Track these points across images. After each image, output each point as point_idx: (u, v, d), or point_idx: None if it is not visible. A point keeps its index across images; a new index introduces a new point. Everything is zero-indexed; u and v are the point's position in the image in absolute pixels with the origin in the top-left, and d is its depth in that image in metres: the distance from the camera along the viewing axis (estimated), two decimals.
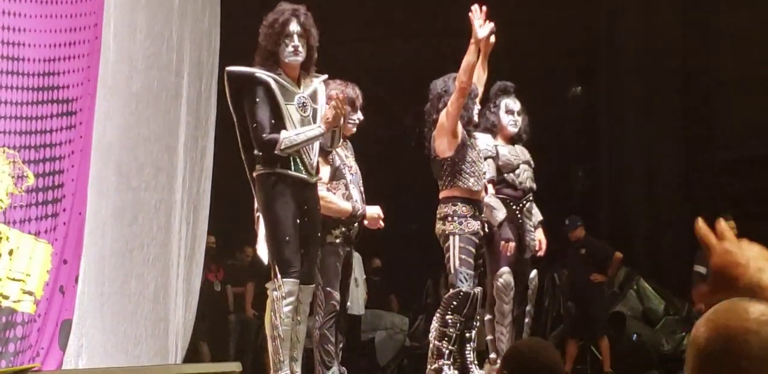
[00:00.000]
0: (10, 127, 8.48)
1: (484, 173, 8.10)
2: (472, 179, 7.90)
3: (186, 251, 10.03)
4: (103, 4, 9.23)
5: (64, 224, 8.85)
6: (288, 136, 6.85)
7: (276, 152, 6.84)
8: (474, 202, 7.95)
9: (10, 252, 8.37)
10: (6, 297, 8.31)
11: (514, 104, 8.82)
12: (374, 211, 7.91)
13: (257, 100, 6.87)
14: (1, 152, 8.42)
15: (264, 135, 6.82)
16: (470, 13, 7.64)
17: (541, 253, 9.03)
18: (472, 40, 7.62)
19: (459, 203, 7.89)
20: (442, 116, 7.77)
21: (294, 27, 7.03)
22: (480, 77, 8.22)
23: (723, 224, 2.43)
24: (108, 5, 9.27)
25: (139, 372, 5.73)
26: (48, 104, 8.78)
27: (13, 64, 8.49)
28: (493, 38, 8.00)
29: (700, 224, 2.41)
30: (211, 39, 10.33)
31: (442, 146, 7.85)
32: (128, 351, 9.22)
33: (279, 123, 6.88)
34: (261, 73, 6.92)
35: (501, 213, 8.31)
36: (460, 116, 7.80)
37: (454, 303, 7.81)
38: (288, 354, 6.91)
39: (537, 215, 8.98)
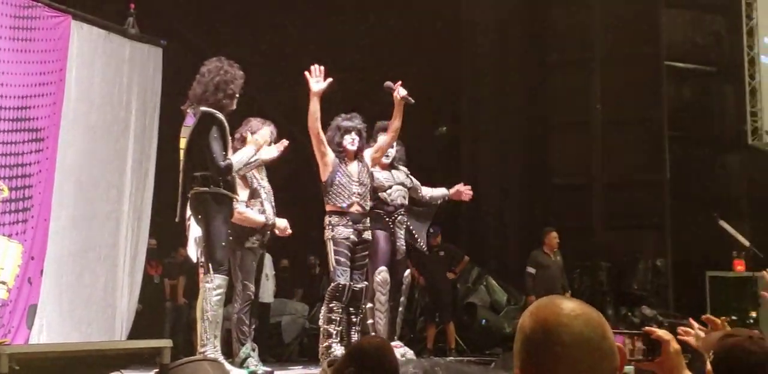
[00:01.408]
0: None
1: (355, 193, 8.14)
2: (339, 198, 7.99)
3: (131, 251, 9.97)
4: (67, 54, 9.19)
5: (32, 228, 8.76)
6: (236, 161, 7.07)
7: (233, 173, 7.08)
8: (344, 214, 8.01)
9: None
10: None
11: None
12: (282, 223, 8.02)
13: (215, 135, 6.94)
14: None
15: (222, 163, 6.91)
16: (306, 72, 7.71)
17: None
18: (311, 94, 7.72)
19: (333, 215, 7.98)
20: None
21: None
22: (395, 123, 8.35)
23: None
24: (71, 54, 9.22)
25: (90, 346, 5.71)
26: (21, 132, 8.72)
27: None
28: (403, 93, 8.21)
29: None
30: (154, 83, 10.28)
31: (321, 172, 8.03)
32: (82, 330, 9.15)
33: (225, 154, 7.00)
34: (218, 114, 7.01)
35: None
36: (333, 148, 8.03)
37: (336, 294, 7.92)
38: (212, 333, 6.97)
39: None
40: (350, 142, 8.21)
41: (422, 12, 16.48)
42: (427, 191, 9.19)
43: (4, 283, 8.35)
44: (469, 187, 9.26)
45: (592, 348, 1.99)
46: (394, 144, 8.89)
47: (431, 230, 10.33)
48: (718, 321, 4.40)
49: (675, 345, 2.84)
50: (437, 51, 16.94)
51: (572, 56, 17.27)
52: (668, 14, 17.43)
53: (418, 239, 9.47)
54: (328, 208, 8.06)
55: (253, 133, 7.63)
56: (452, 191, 9.19)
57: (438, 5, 16.74)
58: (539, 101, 17.67)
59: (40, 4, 8.93)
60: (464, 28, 17.62)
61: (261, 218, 7.71)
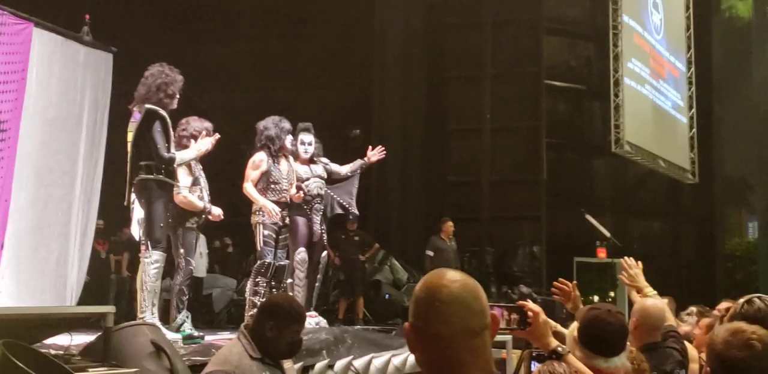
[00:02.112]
0: None
1: (284, 189, 8.21)
2: (271, 192, 8.11)
3: (81, 229, 9.73)
4: (29, 57, 8.98)
5: None
6: (181, 157, 7.13)
7: (174, 165, 7.07)
8: (274, 203, 8.04)
9: None
10: None
11: (306, 137, 8.80)
12: (217, 210, 7.92)
13: (159, 130, 6.91)
14: None
15: (165, 154, 6.92)
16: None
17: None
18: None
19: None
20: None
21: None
22: None
23: None
24: (32, 57, 8.98)
25: (43, 310, 5.63)
26: None
27: None
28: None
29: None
30: (105, 84, 10.06)
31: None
32: (36, 297, 8.91)
33: (168, 146, 6.99)
34: (160, 111, 6.98)
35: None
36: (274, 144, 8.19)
37: (262, 270, 7.99)
38: (150, 301, 6.95)
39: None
40: (290, 142, 8.34)
41: (341, 35, 16.56)
42: (346, 168, 9.16)
43: None
44: (379, 148, 9.20)
45: (464, 306, 2.10)
46: (314, 141, 8.87)
47: (350, 217, 10.37)
48: (570, 284, 4.57)
49: (543, 317, 3.08)
50: (354, 67, 17.01)
51: (467, 73, 17.45)
52: (548, 40, 17.76)
53: (349, 207, 9.49)
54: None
55: (197, 131, 7.64)
56: (367, 158, 9.14)
57: (354, 29, 16.81)
58: (438, 110, 17.82)
59: (5, 12, 8.72)
60: (376, 48, 17.65)
61: (201, 204, 7.64)
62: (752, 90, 22.62)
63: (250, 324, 4.27)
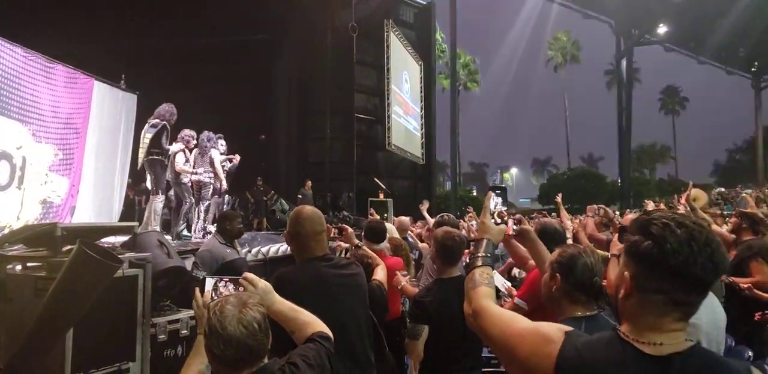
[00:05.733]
0: (55, 137, 7.64)
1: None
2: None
3: (119, 183, 9.30)
4: (91, 97, 8.44)
5: (73, 171, 8.07)
6: (172, 149, 6.76)
7: (169, 153, 6.70)
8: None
9: (51, 181, 7.62)
10: (50, 197, 7.58)
11: (222, 141, 8.06)
12: (199, 176, 7.24)
13: (165, 135, 6.54)
14: (51, 146, 7.58)
15: (166, 147, 6.57)
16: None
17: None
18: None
19: (203, 175, 7.31)
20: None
21: None
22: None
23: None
24: (93, 97, 8.47)
25: (100, 224, 5.47)
26: (69, 129, 7.95)
27: (57, 115, 7.67)
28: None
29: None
30: (132, 111, 9.53)
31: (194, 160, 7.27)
32: (98, 218, 8.53)
33: (168, 142, 6.63)
34: (167, 124, 6.60)
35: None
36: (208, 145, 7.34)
37: (183, 208, 7.26)
38: (155, 220, 6.47)
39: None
40: (212, 143, 7.45)
41: (256, 85, 16.10)
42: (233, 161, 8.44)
43: (59, 196, 7.74)
44: (238, 157, 8.41)
45: (313, 221, 2.14)
46: (224, 142, 8.01)
47: (259, 179, 10.04)
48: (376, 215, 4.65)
49: (350, 230, 3.09)
50: (261, 103, 16.51)
51: (319, 109, 17.40)
52: (357, 96, 18.02)
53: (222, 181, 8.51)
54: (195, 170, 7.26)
55: (186, 135, 7.07)
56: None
57: (261, 83, 16.37)
58: (304, 127, 17.71)
59: (78, 72, 8.24)
60: (273, 92, 17.20)
61: (190, 170, 7.15)
62: (447, 121, 24.01)
63: (217, 228, 4.14)
